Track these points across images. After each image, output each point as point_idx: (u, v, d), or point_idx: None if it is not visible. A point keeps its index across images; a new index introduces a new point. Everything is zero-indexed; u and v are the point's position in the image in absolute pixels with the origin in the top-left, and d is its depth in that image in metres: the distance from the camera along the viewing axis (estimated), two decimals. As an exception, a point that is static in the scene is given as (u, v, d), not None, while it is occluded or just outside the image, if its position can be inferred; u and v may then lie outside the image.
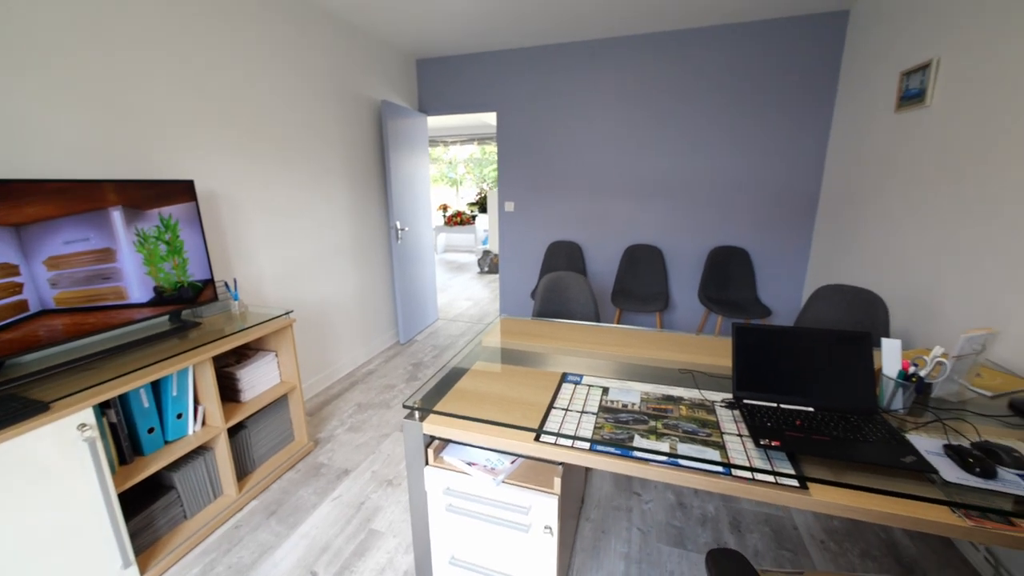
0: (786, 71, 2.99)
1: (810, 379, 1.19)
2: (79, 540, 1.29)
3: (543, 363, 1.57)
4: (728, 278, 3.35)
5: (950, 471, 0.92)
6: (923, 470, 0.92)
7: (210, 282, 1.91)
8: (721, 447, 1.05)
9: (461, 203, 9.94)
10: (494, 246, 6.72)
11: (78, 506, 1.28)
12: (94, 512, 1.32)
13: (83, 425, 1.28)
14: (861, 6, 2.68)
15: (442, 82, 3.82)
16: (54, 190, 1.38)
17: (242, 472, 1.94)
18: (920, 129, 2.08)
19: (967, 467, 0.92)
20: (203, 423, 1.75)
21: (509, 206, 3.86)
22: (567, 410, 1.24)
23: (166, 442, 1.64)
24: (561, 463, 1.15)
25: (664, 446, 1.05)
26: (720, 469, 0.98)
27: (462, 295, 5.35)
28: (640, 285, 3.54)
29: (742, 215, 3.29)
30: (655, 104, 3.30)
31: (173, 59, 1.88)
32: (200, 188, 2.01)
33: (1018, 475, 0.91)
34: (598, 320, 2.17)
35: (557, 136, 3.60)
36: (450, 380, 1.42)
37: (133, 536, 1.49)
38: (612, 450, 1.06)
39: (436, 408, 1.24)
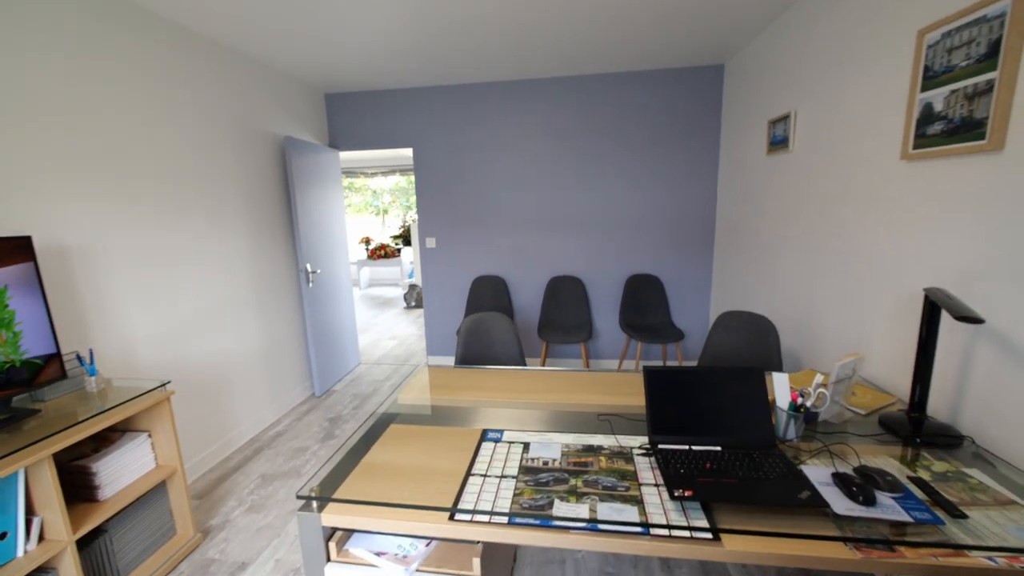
0: (680, 114, 3.31)
1: (715, 417, 1.24)
2: None
3: (463, 420, 1.48)
4: (644, 304, 3.53)
5: (839, 502, 0.98)
6: (817, 505, 0.97)
7: (55, 356, 1.57)
8: (639, 502, 1.03)
9: (388, 232, 9.63)
10: (421, 280, 6.53)
11: None
12: None
13: None
14: (733, 63, 3.07)
15: (354, 117, 3.69)
16: None
17: (101, 589, 1.57)
18: (786, 170, 2.38)
19: (852, 496, 0.98)
20: (40, 538, 1.40)
21: (430, 242, 3.77)
22: (485, 476, 1.16)
23: (-18, 573, 1.28)
24: (479, 542, 1.06)
25: (584, 509, 1.01)
26: (639, 529, 0.95)
27: (386, 334, 5.09)
28: (564, 316, 3.61)
29: (652, 244, 3.52)
30: (569, 141, 3.47)
31: (14, 90, 1.58)
32: (44, 244, 1.68)
33: (893, 498, 0.99)
34: (523, 362, 2.14)
35: (477, 171, 3.62)
36: (358, 451, 1.28)
37: None
38: (531, 521, 0.99)
39: (338, 494, 1.09)
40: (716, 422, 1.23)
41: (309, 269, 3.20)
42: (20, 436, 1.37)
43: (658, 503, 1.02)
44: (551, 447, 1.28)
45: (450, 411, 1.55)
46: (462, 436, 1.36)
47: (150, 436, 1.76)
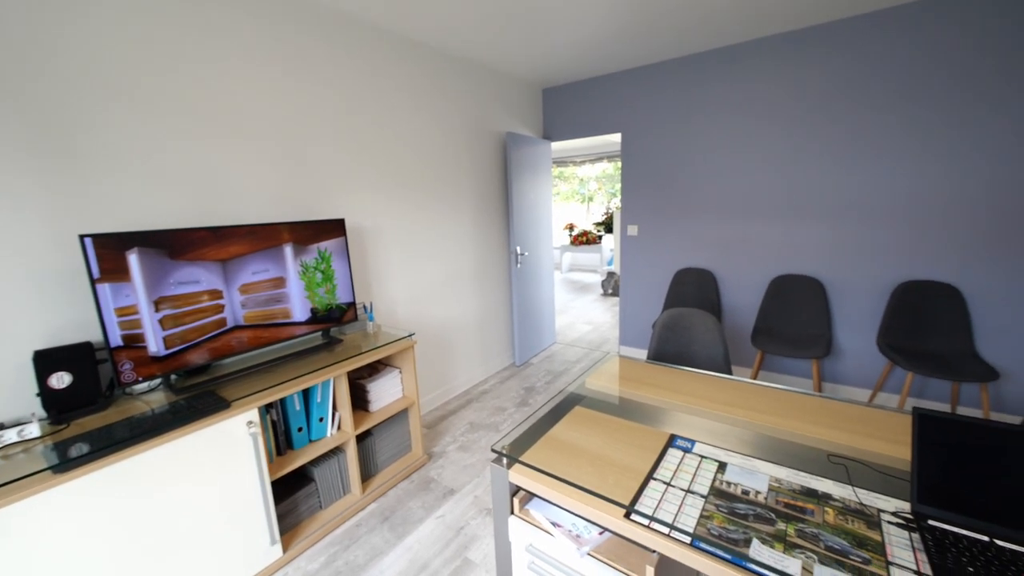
0: (1009, 49, 2.21)
1: (1056, 510, 0.81)
2: (241, 516, 1.59)
3: (650, 418, 1.40)
4: (926, 323, 2.57)
5: None
6: None
7: (352, 304, 2.22)
8: (885, 586, 0.77)
9: (593, 218, 9.85)
10: (619, 268, 6.44)
11: (242, 488, 1.58)
12: (253, 495, 1.62)
13: (251, 422, 1.59)
14: None
15: (566, 108, 3.84)
16: (247, 232, 1.77)
17: (366, 475, 2.17)
18: None
19: None
20: (339, 427, 2.02)
21: (632, 230, 3.65)
22: (669, 485, 1.07)
23: (310, 441, 1.93)
24: (655, 551, 0.99)
25: (795, 565, 0.82)
26: (880, 621, 0.71)
27: (582, 318, 5.24)
28: (791, 324, 2.96)
29: (951, 242, 2.51)
30: (814, 110, 2.76)
31: (340, 119, 2.28)
32: (348, 224, 2.36)
33: None
34: (728, 370, 1.87)
35: (689, 154, 3.28)
36: (545, 423, 1.37)
37: (280, 518, 1.78)
38: (719, 553, 0.87)
39: (524, 458, 1.20)
40: (1055, 517, 0.80)
41: (519, 251, 3.56)
42: (332, 356, 1.99)
43: (919, 598, 0.74)
44: (755, 476, 1.08)
45: (636, 406, 1.49)
46: (647, 435, 1.29)
47: (400, 372, 2.31)
